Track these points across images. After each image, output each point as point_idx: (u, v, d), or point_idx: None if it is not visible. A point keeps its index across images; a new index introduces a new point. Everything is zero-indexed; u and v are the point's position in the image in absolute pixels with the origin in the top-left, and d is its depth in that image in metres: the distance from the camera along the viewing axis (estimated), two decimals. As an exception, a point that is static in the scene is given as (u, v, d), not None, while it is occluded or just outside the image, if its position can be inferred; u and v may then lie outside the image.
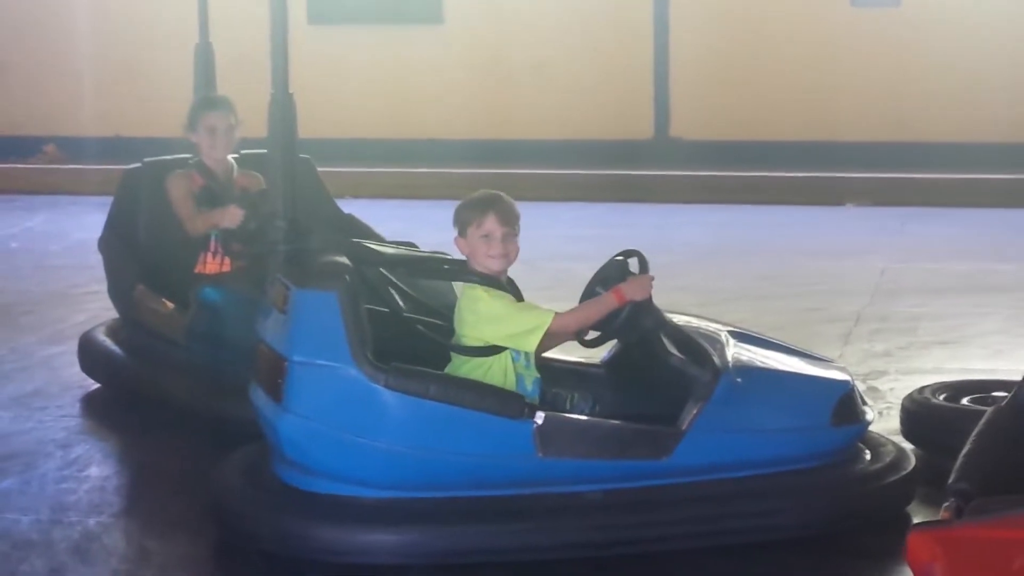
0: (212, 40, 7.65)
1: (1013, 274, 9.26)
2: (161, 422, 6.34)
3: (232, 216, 6.57)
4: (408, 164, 13.36)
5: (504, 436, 4.88)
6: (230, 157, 6.91)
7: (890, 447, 5.34)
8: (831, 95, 13.61)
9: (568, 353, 5.52)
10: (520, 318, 5.04)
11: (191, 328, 6.42)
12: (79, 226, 10.71)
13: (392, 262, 5.52)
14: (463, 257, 5.19)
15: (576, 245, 10.01)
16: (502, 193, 5.16)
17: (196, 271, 6.67)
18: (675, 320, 5.38)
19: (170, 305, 6.64)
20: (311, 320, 4.94)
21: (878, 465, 5.20)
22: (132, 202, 7.03)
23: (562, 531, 4.86)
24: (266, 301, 5.27)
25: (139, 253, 6.93)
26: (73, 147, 14.14)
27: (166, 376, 6.47)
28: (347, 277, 5.02)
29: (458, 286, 5.31)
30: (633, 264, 5.29)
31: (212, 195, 6.77)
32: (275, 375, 4.98)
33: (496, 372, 5.04)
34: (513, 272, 5.19)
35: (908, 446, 5.58)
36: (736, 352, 5.20)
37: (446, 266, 5.47)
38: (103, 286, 7.20)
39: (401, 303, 5.47)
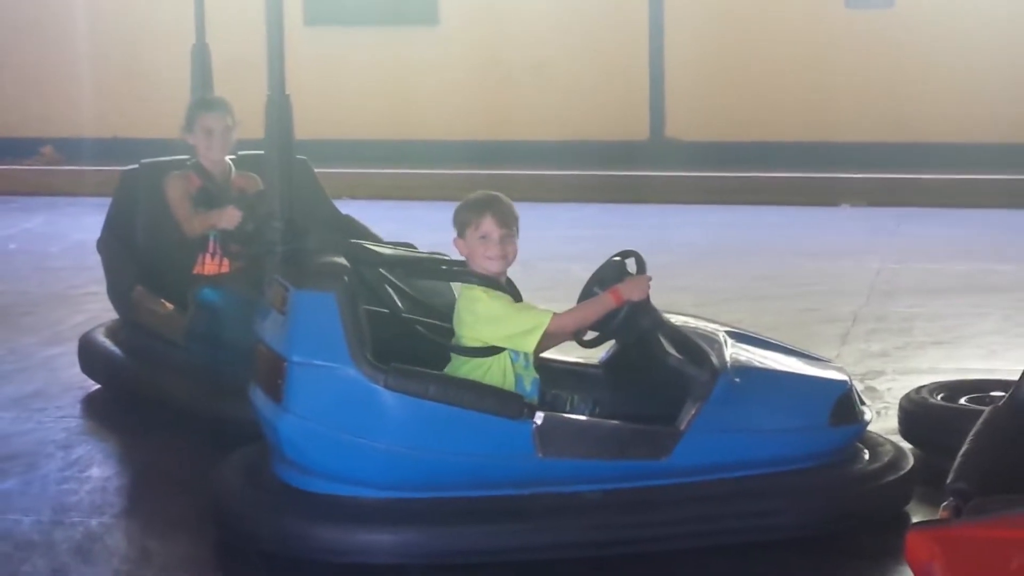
0: (209, 41, 7.67)
1: (1010, 274, 9.28)
2: (161, 423, 6.35)
3: (230, 217, 6.57)
4: (405, 165, 13.37)
5: (503, 436, 4.89)
6: (227, 158, 6.92)
7: (888, 447, 5.36)
8: (826, 96, 13.64)
9: (566, 353, 5.53)
10: (518, 319, 5.05)
11: (190, 329, 6.42)
12: (77, 227, 10.72)
13: (390, 263, 5.53)
14: (462, 258, 5.20)
15: (573, 246, 10.02)
16: (500, 194, 5.17)
17: (194, 272, 6.68)
18: (673, 320, 5.39)
19: (169, 306, 6.65)
20: (310, 321, 4.95)
21: (876, 465, 5.21)
22: (130, 203, 7.04)
23: (561, 531, 4.87)
24: (265, 302, 5.27)
25: (137, 254, 6.94)
26: (71, 148, 14.15)
27: (165, 377, 6.47)
28: (345, 278, 5.03)
29: (457, 287, 5.31)
30: (631, 264, 5.29)
31: (209, 196, 6.78)
32: (274, 376, 4.99)
33: (495, 372, 5.05)
34: (511, 272, 5.20)
35: (906, 446, 5.59)
36: (734, 352, 5.21)
37: (444, 267, 5.49)
38: (102, 287, 7.21)
39: (400, 303, 5.48)
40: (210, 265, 6.71)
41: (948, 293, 8.72)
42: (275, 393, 4.98)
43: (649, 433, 5.01)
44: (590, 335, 5.31)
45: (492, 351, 5.05)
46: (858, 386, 5.59)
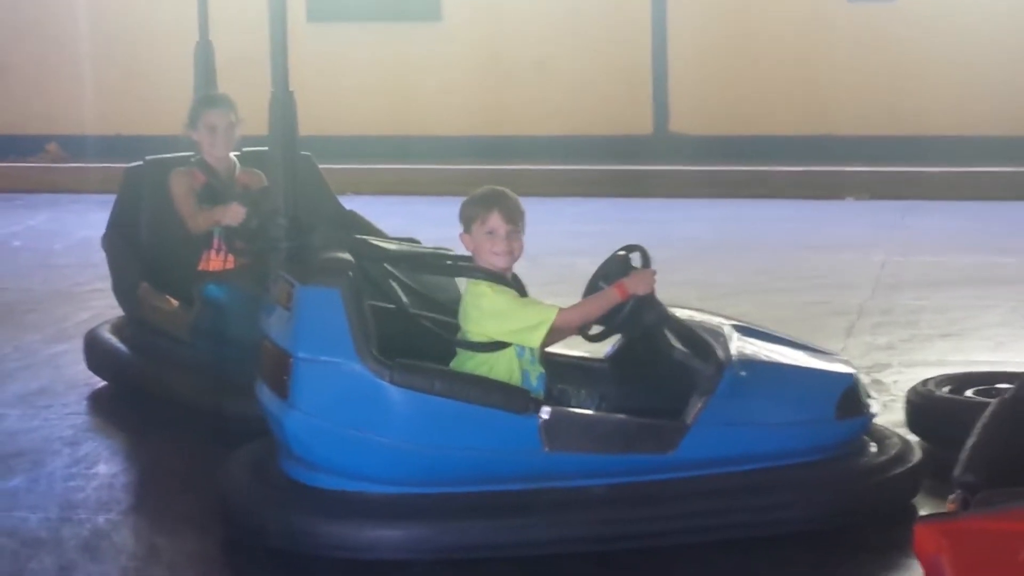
0: (212, 38, 7.66)
1: (1014, 267, 9.27)
2: (167, 419, 6.35)
3: (234, 214, 6.57)
4: (408, 161, 13.37)
5: (510, 431, 4.89)
6: (231, 155, 6.92)
7: (895, 440, 5.35)
8: (829, 90, 13.63)
9: (572, 348, 5.53)
10: (524, 314, 5.05)
11: (195, 325, 6.43)
12: (82, 224, 10.72)
13: (395, 258, 5.53)
14: (467, 253, 5.20)
15: (578, 240, 10.02)
16: (507, 190, 5.17)
17: (199, 268, 6.68)
18: (678, 314, 5.39)
19: (174, 302, 6.65)
20: (315, 317, 4.95)
21: (883, 458, 5.21)
22: (134, 200, 7.05)
23: (568, 526, 4.87)
24: (270, 298, 5.28)
25: (142, 251, 6.94)
26: (75, 146, 14.15)
27: (171, 373, 6.48)
28: (350, 273, 5.03)
29: (463, 282, 5.31)
30: (635, 259, 5.29)
31: (214, 193, 6.78)
32: (280, 372, 4.99)
33: (501, 368, 5.05)
34: (516, 267, 5.20)
35: (913, 438, 5.59)
36: (739, 346, 5.21)
37: (449, 262, 5.49)
38: (107, 284, 7.22)
39: (405, 299, 5.48)
40: (215, 261, 6.71)
41: (953, 285, 8.72)
42: (281, 389, 4.98)
43: (655, 427, 5.01)
44: (596, 329, 5.31)
45: (498, 346, 5.05)
46: (864, 379, 5.60)
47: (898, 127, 13.45)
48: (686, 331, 5.34)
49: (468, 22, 14.12)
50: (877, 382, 6.69)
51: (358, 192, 10.94)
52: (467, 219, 5.14)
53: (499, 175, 11.45)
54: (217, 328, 6.33)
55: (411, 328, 5.32)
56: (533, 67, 13.93)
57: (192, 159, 6.91)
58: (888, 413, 6.04)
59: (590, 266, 5.40)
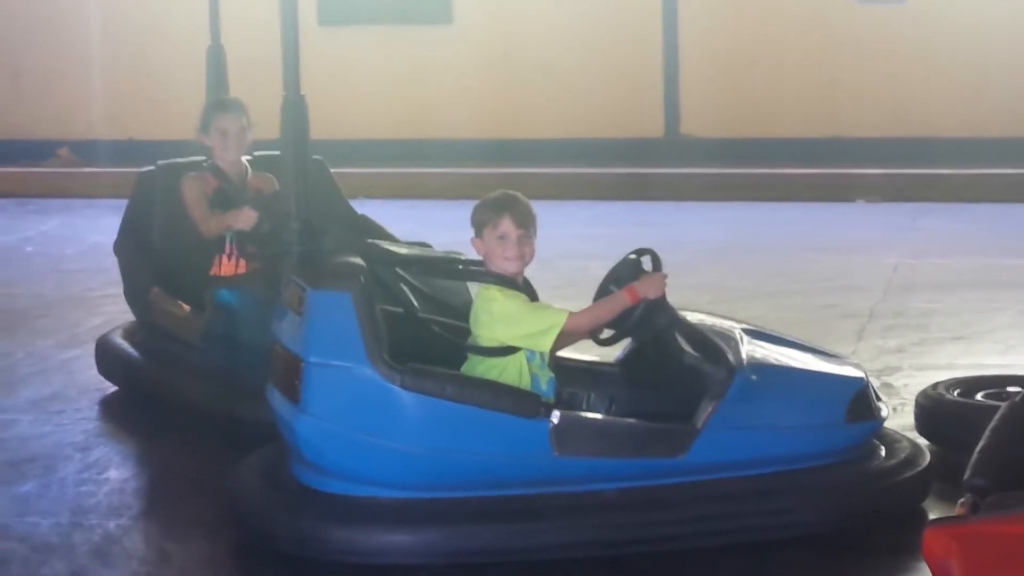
0: (223, 43, 7.68)
1: (1026, 269, 9.28)
2: (178, 424, 6.36)
3: (246, 218, 6.58)
4: (419, 164, 13.38)
5: (520, 435, 4.90)
6: (243, 159, 6.93)
7: (905, 443, 5.35)
8: (840, 92, 13.62)
9: (583, 352, 5.53)
10: (534, 318, 5.06)
11: (207, 330, 6.44)
12: (94, 229, 10.74)
13: (407, 262, 5.54)
14: (479, 257, 5.21)
15: (589, 244, 10.02)
16: (519, 194, 5.17)
17: (211, 273, 6.69)
18: (689, 318, 5.39)
19: (186, 307, 6.66)
20: (326, 321, 4.96)
21: (893, 461, 5.21)
22: (146, 205, 7.06)
23: (578, 530, 4.87)
24: (281, 302, 5.29)
25: (154, 256, 6.96)
26: (87, 150, 14.17)
27: (183, 378, 6.49)
28: (362, 278, 5.04)
29: (474, 286, 5.32)
30: (646, 262, 5.30)
31: (226, 197, 6.79)
32: (292, 376, 5.00)
33: (511, 372, 5.05)
34: (528, 271, 5.20)
35: (923, 442, 5.59)
36: (750, 349, 5.22)
37: (461, 266, 5.50)
38: (119, 289, 7.23)
39: (416, 303, 5.49)
40: (227, 266, 6.72)
41: (964, 288, 8.71)
42: (292, 394, 4.99)
43: (666, 431, 5.01)
44: (606, 333, 5.32)
45: (508, 351, 5.05)
46: (874, 382, 5.59)
47: (909, 129, 13.44)
48: (697, 335, 5.35)
49: (479, 25, 14.13)
50: (887, 386, 6.69)
51: (369, 196, 10.94)
52: (478, 223, 5.14)
53: (510, 178, 11.46)
54: (229, 333, 6.34)
55: (422, 332, 5.33)
56: (545, 69, 13.93)
57: (204, 163, 6.92)
58: (898, 417, 6.04)
59: (601, 270, 5.40)
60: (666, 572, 4.86)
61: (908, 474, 5.17)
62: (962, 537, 3.64)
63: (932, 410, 5.82)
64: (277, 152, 5.67)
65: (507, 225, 5.08)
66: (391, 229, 7.04)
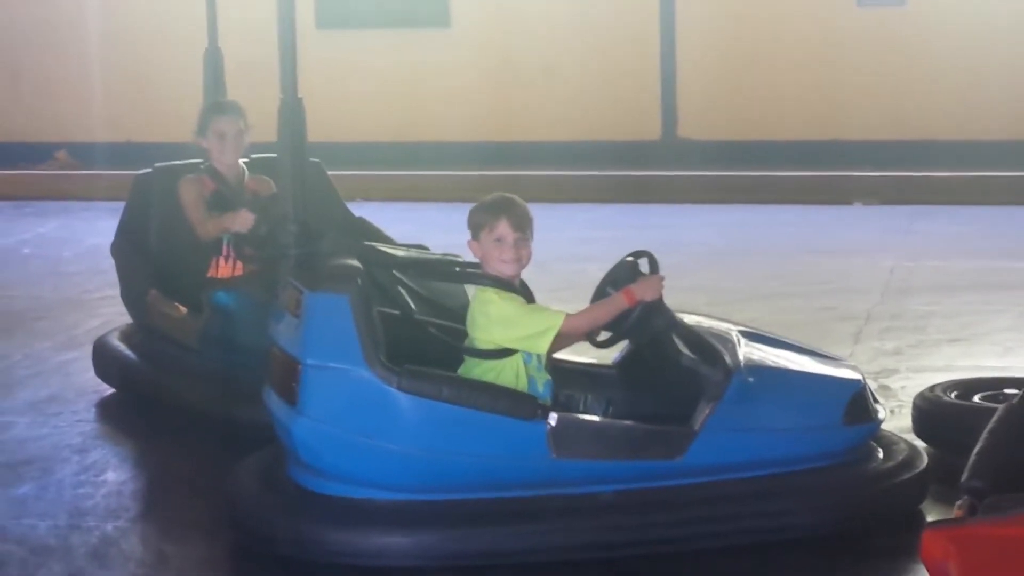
0: (221, 45, 7.68)
1: (1023, 272, 9.26)
2: (175, 426, 6.36)
3: (243, 220, 6.58)
4: (417, 167, 13.38)
5: (517, 437, 4.90)
6: (240, 161, 6.93)
7: (902, 445, 5.35)
8: (838, 94, 13.63)
9: (580, 354, 5.54)
10: (531, 320, 5.06)
11: (204, 332, 6.44)
12: (91, 231, 10.75)
13: (404, 265, 5.54)
14: (475, 259, 5.21)
15: (586, 246, 10.03)
16: (515, 197, 5.17)
17: (208, 275, 6.69)
18: (686, 320, 5.39)
19: (183, 309, 6.66)
20: (324, 323, 4.96)
21: (890, 464, 5.21)
22: (144, 207, 7.06)
23: (575, 532, 4.87)
24: (278, 305, 5.29)
25: (151, 258, 6.96)
26: (84, 153, 14.18)
27: (180, 380, 6.49)
28: (359, 280, 5.04)
29: (471, 289, 5.32)
30: (643, 265, 5.30)
31: (223, 199, 6.79)
32: (289, 379, 5.00)
33: (508, 374, 5.05)
34: (525, 273, 5.20)
35: (920, 444, 5.59)
36: (747, 352, 5.22)
37: (458, 268, 5.50)
38: (116, 291, 7.23)
39: (413, 306, 5.49)
40: (224, 268, 6.72)
41: (962, 291, 8.72)
42: (289, 396, 4.99)
43: (663, 433, 5.02)
44: (603, 335, 5.32)
45: (505, 353, 5.05)
46: (872, 385, 5.60)
47: (906, 132, 13.45)
48: (694, 337, 5.35)
49: (477, 28, 14.13)
50: (884, 388, 6.69)
51: (367, 198, 10.95)
52: (475, 226, 5.14)
53: (508, 181, 11.43)
54: (226, 335, 6.34)
55: (419, 335, 5.33)
56: (542, 73, 13.94)
57: (201, 166, 6.93)
58: (895, 419, 6.04)
59: (598, 272, 5.40)
60: (664, 574, 4.86)
61: (905, 476, 5.17)
62: (960, 539, 3.64)
63: (929, 412, 5.82)
64: (274, 155, 5.68)
65: (504, 228, 5.08)
66: (388, 232, 7.04)
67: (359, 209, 7.41)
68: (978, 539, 3.63)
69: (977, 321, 8.00)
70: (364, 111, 14.10)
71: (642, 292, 5.15)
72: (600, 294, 5.28)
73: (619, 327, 5.23)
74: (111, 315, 8.01)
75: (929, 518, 5.11)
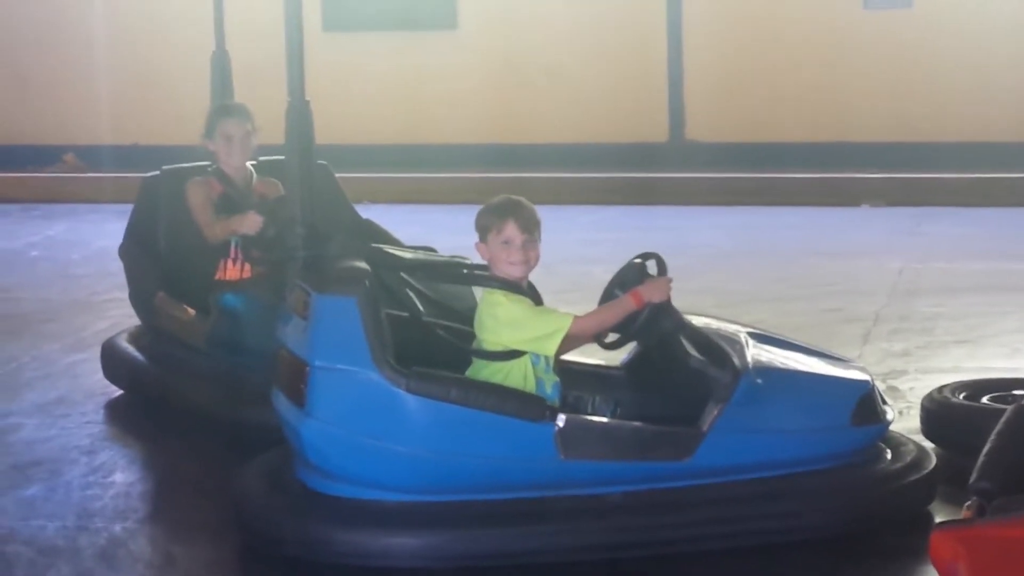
0: (228, 48, 7.69)
1: (1031, 273, 9.28)
2: (183, 428, 6.37)
3: (251, 223, 6.58)
4: (424, 169, 13.38)
5: (525, 439, 4.90)
6: (248, 164, 6.93)
7: (911, 446, 5.35)
8: (845, 96, 13.61)
9: (588, 356, 5.54)
10: (539, 322, 5.06)
11: (212, 334, 6.45)
12: (99, 234, 10.75)
13: (411, 266, 5.54)
14: (483, 261, 5.21)
15: (593, 248, 10.03)
16: (523, 199, 5.18)
17: (216, 278, 6.70)
18: (694, 322, 5.39)
19: (191, 312, 6.67)
20: (332, 325, 4.96)
21: (899, 465, 5.21)
22: (152, 210, 7.07)
23: (583, 533, 4.87)
24: (286, 307, 5.29)
25: (159, 260, 6.97)
26: (92, 156, 14.19)
27: (188, 382, 6.49)
28: (367, 282, 5.04)
29: (478, 290, 5.32)
30: (651, 267, 5.30)
31: (231, 202, 6.79)
32: (297, 380, 5.00)
33: (516, 376, 5.05)
34: (531, 276, 5.20)
35: (928, 445, 5.59)
36: (755, 353, 5.21)
37: (465, 270, 5.50)
38: (124, 293, 7.24)
39: (421, 307, 5.49)
40: (232, 271, 6.72)
41: (969, 292, 8.71)
42: (297, 398, 4.99)
43: (671, 434, 5.02)
44: (611, 337, 5.32)
45: (513, 355, 5.05)
46: (880, 386, 5.60)
47: (913, 134, 13.43)
48: (702, 338, 5.35)
49: (484, 31, 14.14)
50: (893, 389, 6.69)
51: (374, 201, 10.96)
52: (483, 228, 5.15)
53: (514, 183, 11.47)
54: (234, 337, 6.35)
55: (427, 337, 5.33)
56: (549, 75, 13.93)
57: (209, 168, 6.93)
58: (904, 420, 6.03)
59: (605, 274, 5.40)
60: (671, 575, 4.86)
61: (914, 477, 5.17)
62: (969, 540, 3.64)
63: (938, 413, 5.82)
64: (282, 157, 5.67)
65: (511, 230, 5.09)
66: (396, 233, 7.05)
67: (366, 211, 7.42)
68: (987, 540, 3.63)
69: (985, 322, 7.99)
70: (371, 113, 14.10)
71: (650, 294, 5.15)
72: (608, 296, 5.29)
73: (627, 329, 5.23)
74: (119, 317, 8.02)
75: (937, 519, 5.10)
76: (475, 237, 5.17)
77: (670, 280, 5.21)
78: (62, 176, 13.92)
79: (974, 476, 3.95)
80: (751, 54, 13.75)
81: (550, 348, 5.06)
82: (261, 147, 6.98)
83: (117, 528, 5.31)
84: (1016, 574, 3.60)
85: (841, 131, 13.59)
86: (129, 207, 7.24)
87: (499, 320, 5.06)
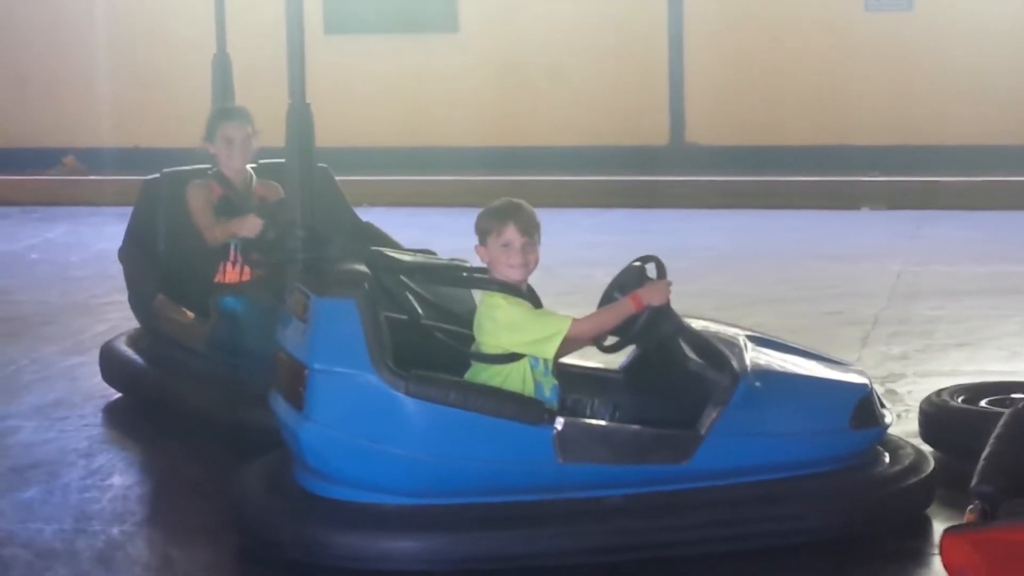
0: (229, 50, 7.68)
1: (1030, 276, 9.27)
2: (182, 431, 6.37)
3: (251, 225, 6.58)
4: (424, 172, 13.38)
5: (524, 442, 4.90)
6: (248, 167, 6.93)
7: (909, 450, 5.35)
8: (846, 99, 13.61)
9: (587, 359, 5.53)
10: (538, 325, 5.06)
11: (211, 337, 6.45)
12: (99, 237, 10.75)
13: (411, 269, 5.54)
14: (483, 264, 5.21)
15: (593, 251, 10.03)
16: (523, 202, 5.18)
17: (216, 280, 6.70)
18: (693, 325, 5.39)
19: (190, 314, 6.67)
20: (331, 328, 4.96)
21: (897, 468, 5.20)
22: (151, 212, 7.06)
23: (582, 536, 4.87)
24: (286, 309, 5.29)
25: (159, 263, 6.96)
26: (92, 158, 14.19)
27: (187, 385, 6.49)
28: (366, 285, 5.04)
29: (478, 293, 5.32)
30: (651, 269, 5.30)
31: (231, 205, 6.79)
32: (296, 383, 5.00)
33: (515, 379, 5.05)
34: (532, 278, 5.20)
35: (927, 449, 5.58)
36: (754, 356, 5.21)
37: (465, 273, 5.50)
38: (124, 296, 7.23)
39: (420, 310, 5.49)
40: (231, 273, 6.72)
41: (969, 295, 8.71)
42: (296, 401, 4.99)
43: (670, 437, 5.01)
44: (610, 340, 5.32)
45: (512, 358, 5.05)
46: (879, 389, 5.60)
47: (914, 137, 13.43)
48: (701, 341, 5.35)
49: (485, 33, 14.14)
50: (891, 392, 6.69)
51: (374, 203, 10.95)
52: (482, 231, 5.15)
53: (515, 186, 11.48)
54: (233, 340, 6.35)
55: (426, 339, 5.34)
56: (550, 77, 13.93)
57: (209, 171, 6.93)
58: (902, 423, 6.03)
59: (605, 277, 5.40)
60: (670, 578, 4.87)
61: (912, 480, 5.17)
62: (981, 544, 3.64)
63: (936, 416, 5.81)
64: (282, 160, 5.68)
65: (511, 233, 5.08)
66: (396, 236, 7.04)
67: (366, 214, 7.42)
68: (1001, 543, 3.63)
69: (984, 326, 7.99)
70: (372, 116, 14.10)
71: (649, 297, 5.15)
72: (607, 299, 5.29)
73: (626, 332, 5.23)
74: (118, 320, 8.01)
75: (936, 522, 5.10)
76: (475, 240, 5.17)
77: (669, 283, 5.21)
78: (62, 179, 13.92)
79: (975, 480, 3.94)
80: (752, 56, 13.75)
81: (549, 351, 5.06)
82: (261, 149, 6.98)
83: (115, 531, 5.31)
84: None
85: (842, 134, 13.59)
86: (129, 210, 7.24)
87: (498, 323, 5.06)
